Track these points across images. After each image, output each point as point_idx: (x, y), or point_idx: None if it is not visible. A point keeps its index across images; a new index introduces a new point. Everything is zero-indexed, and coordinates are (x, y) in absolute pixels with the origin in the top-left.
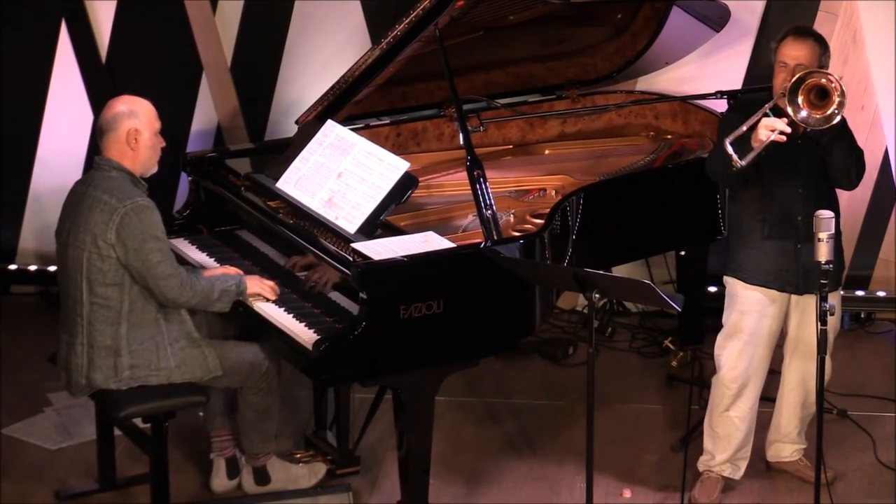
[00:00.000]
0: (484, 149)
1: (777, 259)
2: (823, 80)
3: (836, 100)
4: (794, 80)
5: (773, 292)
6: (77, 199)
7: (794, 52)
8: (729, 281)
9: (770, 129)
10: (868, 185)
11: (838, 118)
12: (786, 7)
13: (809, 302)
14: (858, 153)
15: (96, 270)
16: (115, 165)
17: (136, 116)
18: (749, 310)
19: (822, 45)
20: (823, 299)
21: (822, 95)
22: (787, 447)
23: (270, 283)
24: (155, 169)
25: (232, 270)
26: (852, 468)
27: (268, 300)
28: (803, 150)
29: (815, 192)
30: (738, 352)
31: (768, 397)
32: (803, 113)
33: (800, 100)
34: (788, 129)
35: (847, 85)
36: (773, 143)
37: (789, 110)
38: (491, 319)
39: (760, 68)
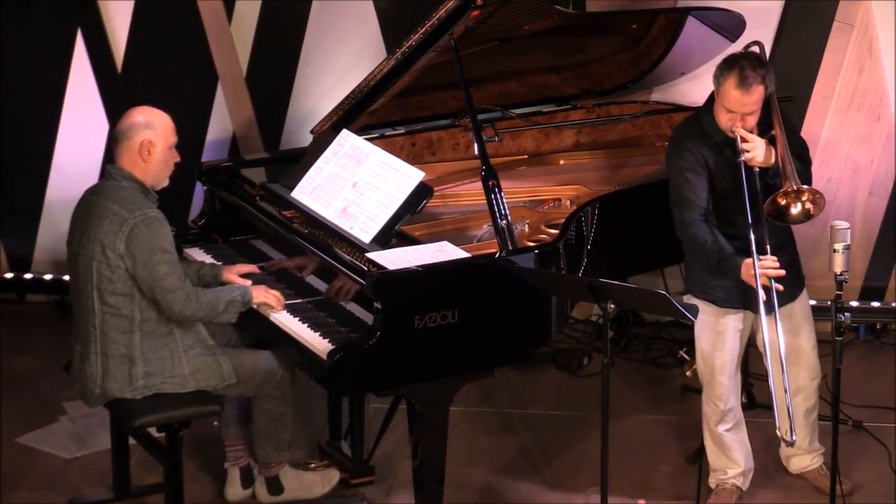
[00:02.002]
0: (499, 159)
1: (744, 282)
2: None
3: (806, 198)
4: (768, 205)
5: (742, 311)
6: (87, 208)
7: (742, 101)
8: (697, 302)
9: (765, 276)
10: (883, 197)
11: (819, 211)
12: (802, 16)
13: (781, 313)
14: (807, 160)
15: (105, 280)
16: (127, 175)
17: (153, 128)
18: (724, 328)
19: (766, 79)
20: (839, 311)
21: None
22: (806, 457)
23: (276, 292)
24: (165, 183)
25: (239, 279)
26: (868, 479)
27: (278, 308)
28: (759, 178)
29: None
30: (720, 369)
31: (767, 406)
32: (794, 210)
33: (780, 202)
34: (783, 273)
35: (863, 95)
36: (733, 173)
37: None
38: (506, 330)
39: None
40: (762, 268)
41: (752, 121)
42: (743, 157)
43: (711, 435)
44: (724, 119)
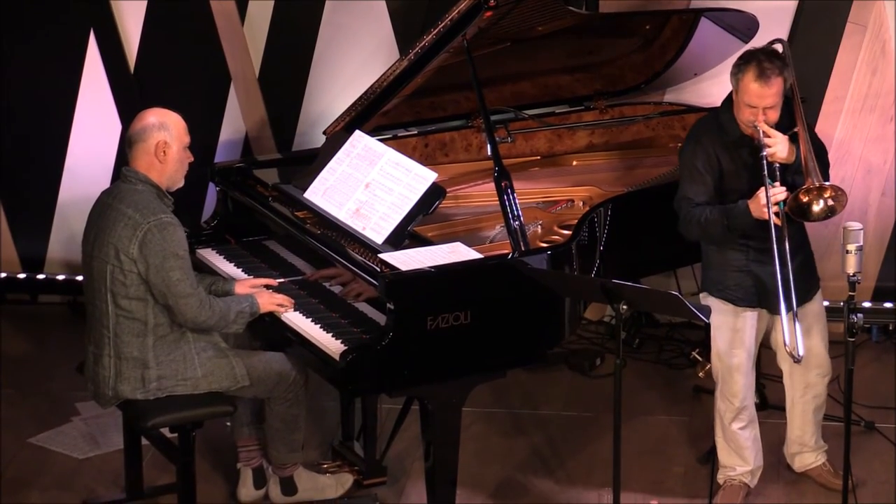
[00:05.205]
0: (511, 159)
1: (759, 281)
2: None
3: (828, 195)
4: (790, 202)
5: (758, 310)
6: (102, 211)
7: (762, 94)
8: (714, 301)
9: (775, 202)
10: None
11: (841, 208)
12: (815, 18)
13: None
14: (826, 162)
15: (119, 284)
16: (142, 178)
17: (167, 129)
18: (741, 327)
19: (784, 73)
20: (852, 312)
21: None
22: (810, 455)
23: (281, 297)
24: (181, 183)
25: (247, 288)
26: (880, 480)
27: (288, 307)
28: (780, 175)
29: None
30: (736, 367)
31: (779, 406)
32: (816, 207)
33: (803, 199)
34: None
35: (876, 96)
36: (753, 170)
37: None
38: (518, 331)
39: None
40: (772, 195)
41: (774, 115)
42: (765, 153)
43: (724, 432)
44: (745, 115)
